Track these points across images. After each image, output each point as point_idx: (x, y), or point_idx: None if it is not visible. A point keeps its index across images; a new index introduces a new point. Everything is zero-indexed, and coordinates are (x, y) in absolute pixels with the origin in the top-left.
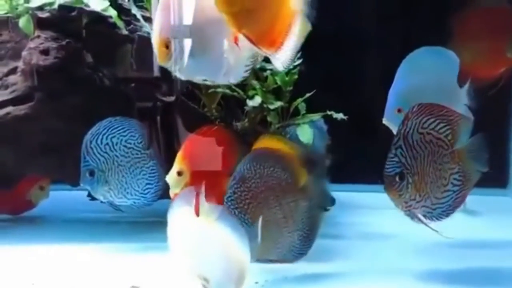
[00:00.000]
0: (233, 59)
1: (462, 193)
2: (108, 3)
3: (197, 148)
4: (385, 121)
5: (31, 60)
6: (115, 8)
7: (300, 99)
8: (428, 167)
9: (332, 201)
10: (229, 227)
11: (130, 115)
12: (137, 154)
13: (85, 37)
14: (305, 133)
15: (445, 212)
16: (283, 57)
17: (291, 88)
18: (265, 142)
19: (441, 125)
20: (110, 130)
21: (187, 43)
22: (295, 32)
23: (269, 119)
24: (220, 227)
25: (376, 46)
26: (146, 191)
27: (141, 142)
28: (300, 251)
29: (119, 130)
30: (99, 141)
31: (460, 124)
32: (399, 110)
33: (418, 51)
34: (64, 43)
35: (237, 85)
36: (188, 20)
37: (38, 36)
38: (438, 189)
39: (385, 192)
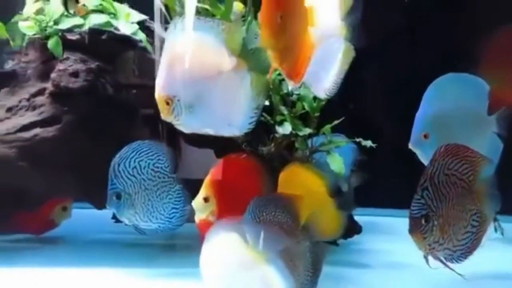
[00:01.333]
0: (236, 111)
1: (479, 234)
2: (138, 27)
3: (225, 174)
4: (411, 146)
5: (60, 82)
6: (143, 31)
7: (328, 126)
8: (452, 209)
9: (359, 229)
10: (278, 273)
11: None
12: (164, 178)
13: (114, 60)
14: (336, 162)
15: (464, 254)
16: (327, 84)
17: (318, 114)
18: (294, 171)
19: (465, 166)
20: (138, 153)
21: (188, 99)
22: (339, 59)
23: (297, 145)
24: (269, 269)
25: (401, 72)
26: (171, 216)
27: (168, 166)
28: None
29: (147, 153)
30: (127, 164)
31: (482, 165)
32: (425, 136)
33: (444, 77)
34: (93, 65)
35: (264, 110)
36: (187, 76)
37: (67, 58)
38: (459, 230)
39: (409, 234)
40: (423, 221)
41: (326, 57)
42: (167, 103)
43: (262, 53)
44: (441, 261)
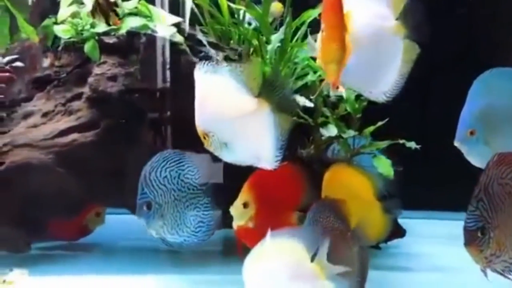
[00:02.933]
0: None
1: None
2: (176, 29)
3: (264, 180)
4: (456, 143)
5: (98, 87)
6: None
7: (372, 127)
8: (508, 219)
9: (403, 233)
10: None
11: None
12: (193, 189)
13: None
14: (383, 164)
15: None
16: (385, 87)
17: (360, 115)
18: (340, 172)
19: None
20: (168, 162)
21: (221, 137)
22: (401, 60)
23: (340, 147)
24: (329, 285)
25: (444, 68)
26: (198, 229)
27: (197, 178)
28: None
29: (177, 163)
30: (158, 174)
31: None
32: (471, 133)
33: (490, 72)
34: (132, 69)
35: (306, 112)
36: (216, 117)
37: (105, 62)
38: None
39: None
40: (479, 234)
41: (381, 59)
42: (204, 137)
43: (285, 92)
44: (500, 274)
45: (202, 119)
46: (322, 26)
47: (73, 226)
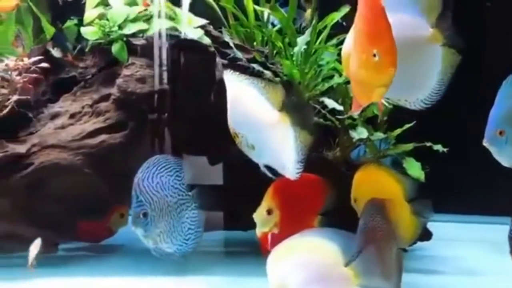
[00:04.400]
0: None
1: None
2: (203, 32)
3: (287, 185)
4: (485, 143)
5: (127, 88)
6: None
7: (399, 129)
8: None
9: (430, 236)
10: None
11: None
12: (182, 195)
13: (181, 65)
14: (413, 166)
15: None
16: (422, 95)
17: (386, 117)
18: (371, 173)
19: None
20: (159, 168)
21: (248, 140)
22: (440, 67)
23: (367, 150)
24: None
25: (473, 67)
26: (187, 237)
27: (185, 183)
28: None
29: (166, 168)
30: (150, 180)
31: None
32: (500, 133)
33: None
34: (161, 71)
35: (331, 113)
36: (243, 122)
37: (133, 63)
38: None
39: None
40: None
41: (418, 69)
42: (235, 137)
43: (306, 111)
44: None
45: (233, 120)
46: (375, 50)
47: (99, 227)
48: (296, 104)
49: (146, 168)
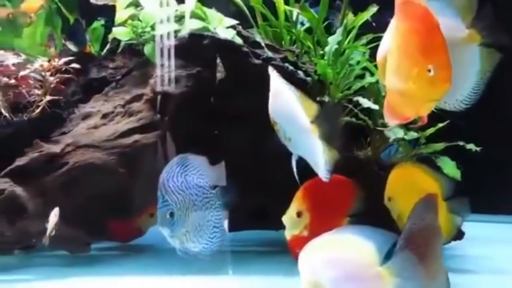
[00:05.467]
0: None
1: None
2: (235, 32)
3: (316, 188)
4: None
5: (160, 89)
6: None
7: (432, 129)
8: None
9: (462, 235)
10: None
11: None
12: (206, 193)
13: (215, 66)
14: (448, 166)
15: None
16: (460, 95)
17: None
18: (408, 171)
19: None
20: (183, 167)
21: (285, 131)
22: (479, 67)
23: (401, 149)
24: None
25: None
26: (212, 235)
27: (208, 181)
28: None
29: (190, 168)
30: (175, 180)
31: None
32: None
33: None
34: (194, 71)
35: (364, 113)
36: (284, 112)
37: (165, 64)
38: None
39: None
40: None
41: (455, 70)
42: (274, 124)
43: (335, 128)
44: None
45: (273, 109)
46: (430, 65)
47: (129, 227)
48: (327, 123)
49: (170, 167)
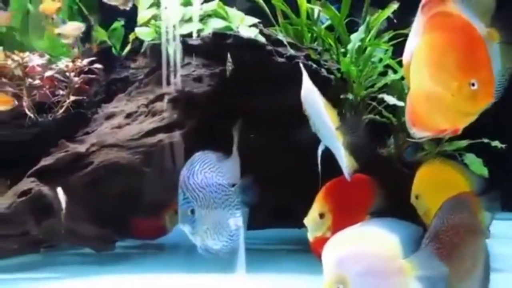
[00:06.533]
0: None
1: None
2: (258, 31)
3: (337, 188)
4: None
5: (184, 88)
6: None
7: None
8: None
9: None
10: None
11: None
12: (225, 191)
13: (239, 64)
14: (474, 163)
15: None
16: None
17: None
18: (437, 168)
19: None
20: (203, 165)
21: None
22: (501, 63)
23: (426, 147)
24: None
25: None
26: (233, 233)
27: (227, 178)
28: None
29: (210, 165)
30: (196, 177)
31: None
32: None
33: None
34: (218, 70)
35: (388, 110)
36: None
37: (189, 63)
38: None
39: None
40: None
41: None
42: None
43: (357, 140)
44: None
45: (305, 98)
46: (474, 79)
47: (154, 225)
48: (350, 137)
49: (190, 165)
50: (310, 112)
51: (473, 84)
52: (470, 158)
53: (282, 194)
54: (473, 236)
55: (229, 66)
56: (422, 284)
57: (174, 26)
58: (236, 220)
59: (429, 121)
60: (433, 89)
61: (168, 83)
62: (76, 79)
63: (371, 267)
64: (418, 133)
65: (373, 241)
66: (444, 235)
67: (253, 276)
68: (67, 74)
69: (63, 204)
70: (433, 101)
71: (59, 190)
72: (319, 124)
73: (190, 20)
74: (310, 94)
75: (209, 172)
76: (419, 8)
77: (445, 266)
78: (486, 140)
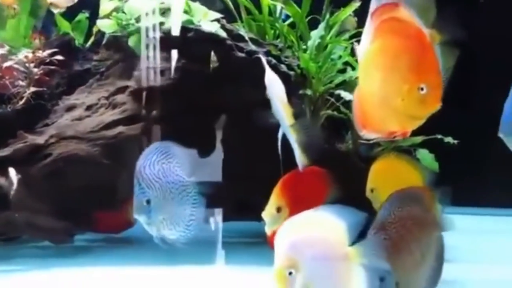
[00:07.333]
0: None
1: None
2: (219, 25)
3: (293, 182)
4: (501, 135)
5: (144, 81)
6: None
7: None
8: None
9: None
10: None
11: None
12: (182, 181)
13: (200, 59)
14: (426, 158)
15: None
16: None
17: None
18: (390, 162)
19: None
20: (159, 155)
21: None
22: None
23: (381, 142)
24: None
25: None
26: (189, 223)
27: (184, 169)
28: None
29: (167, 155)
30: (152, 167)
31: None
32: None
33: None
34: (179, 64)
35: (345, 106)
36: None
37: (150, 56)
38: None
39: None
40: None
41: None
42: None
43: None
44: None
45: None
46: (423, 84)
47: (118, 218)
48: (303, 135)
49: (147, 155)
50: (271, 93)
51: (422, 89)
52: (423, 154)
53: (243, 187)
54: (422, 229)
55: (214, 63)
56: (366, 272)
57: (136, 19)
58: (193, 211)
59: (378, 124)
60: (383, 92)
61: (129, 76)
62: (36, 70)
63: (321, 252)
64: (368, 134)
65: (323, 227)
66: (391, 227)
67: (211, 268)
68: (27, 65)
69: (14, 184)
70: (383, 105)
71: (11, 170)
72: (277, 116)
73: (152, 13)
74: (272, 84)
75: (166, 162)
76: (369, 13)
77: (391, 257)
78: (439, 136)
